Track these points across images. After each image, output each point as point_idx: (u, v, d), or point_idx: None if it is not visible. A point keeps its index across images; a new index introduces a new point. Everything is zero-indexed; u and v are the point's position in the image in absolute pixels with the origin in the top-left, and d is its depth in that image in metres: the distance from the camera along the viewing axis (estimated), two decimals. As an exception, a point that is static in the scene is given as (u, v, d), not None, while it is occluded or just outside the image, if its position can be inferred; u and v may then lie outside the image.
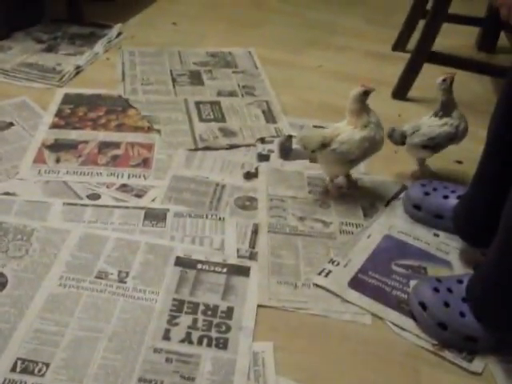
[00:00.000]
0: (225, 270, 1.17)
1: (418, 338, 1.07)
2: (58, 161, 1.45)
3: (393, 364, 1.03)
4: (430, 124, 1.41)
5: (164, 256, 1.19)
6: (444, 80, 1.39)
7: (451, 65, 1.85)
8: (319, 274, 1.18)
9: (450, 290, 1.08)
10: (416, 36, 1.94)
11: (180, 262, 1.18)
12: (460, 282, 1.10)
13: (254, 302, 1.10)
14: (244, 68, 1.97)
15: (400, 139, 1.41)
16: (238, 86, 1.86)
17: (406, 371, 1.02)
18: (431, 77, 1.84)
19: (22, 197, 1.31)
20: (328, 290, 1.14)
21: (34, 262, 1.14)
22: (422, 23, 1.89)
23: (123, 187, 1.37)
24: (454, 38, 2.17)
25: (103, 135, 1.56)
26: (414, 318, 1.09)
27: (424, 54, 1.80)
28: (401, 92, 1.85)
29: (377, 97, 1.83)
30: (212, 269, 1.17)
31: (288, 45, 2.17)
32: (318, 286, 1.15)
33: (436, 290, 1.08)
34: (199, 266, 1.17)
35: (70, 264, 1.15)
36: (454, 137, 1.40)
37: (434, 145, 1.40)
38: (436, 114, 1.41)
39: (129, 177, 1.41)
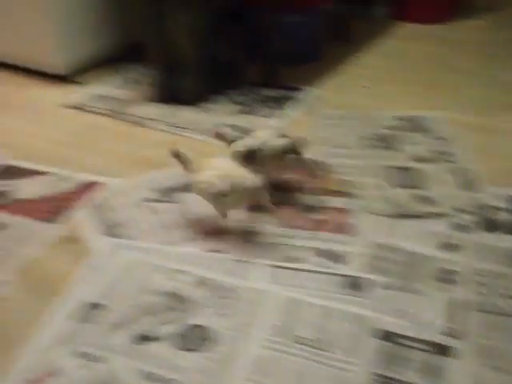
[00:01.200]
0: (427, 347, 1.12)
1: None
2: (258, 223, 1.51)
3: None
4: None
5: (365, 327, 1.17)
6: None
7: None
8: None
9: None
10: None
11: (381, 335, 1.15)
12: None
13: (462, 387, 1.04)
14: (437, 133, 1.93)
15: None
16: (431, 151, 1.82)
17: None
18: None
19: (229, 255, 1.39)
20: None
21: (239, 321, 1.19)
22: None
23: (324, 252, 1.39)
24: None
25: (302, 198, 1.60)
26: None
27: None
28: None
29: None
30: (414, 345, 1.13)
31: (482, 108, 2.09)
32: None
33: None
34: (401, 340, 1.14)
35: (274, 327, 1.17)
36: None
37: None
38: None
39: (329, 242, 1.42)
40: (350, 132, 1.95)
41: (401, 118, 2.03)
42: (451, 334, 1.15)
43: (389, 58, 2.59)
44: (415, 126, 1.98)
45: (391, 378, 1.06)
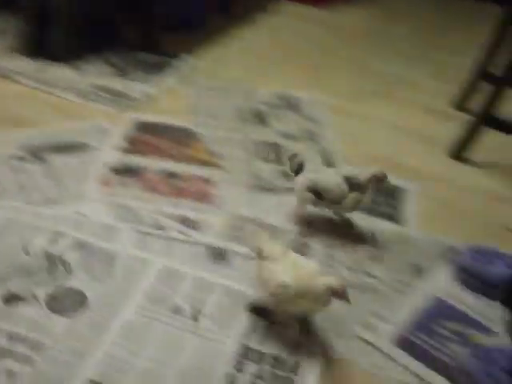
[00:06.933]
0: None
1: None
2: (123, 185, 1.50)
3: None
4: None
5: (236, 299, 1.21)
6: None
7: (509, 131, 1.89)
8: (366, 328, 1.20)
9: (492, 359, 1.12)
10: (476, 96, 2.00)
11: (250, 307, 1.20)
12: (503, 351, 1.14)
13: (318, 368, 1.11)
14: (308, 113, 2.02)
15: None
16: (301, 130, 1.90)
17: None
18: (491, 140, 1.87)
19: (91, 218, 1.37)
20: (374, 346, 1.17)
21: (114, 287, 1.19)
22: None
23: (184, 219, 1.41)
24: None
25: (167, 165, 1.60)
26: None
27: (488, 119, 1.83)
28: (457, 152, 1.88)
29: (431, 153, 1.86)
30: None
31: (354, 95, 2.20)
32: (363, 340, 1.18)
33: (479, 358, 1.13)
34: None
35: (148, 295, 1.19)
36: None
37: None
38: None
39: (190, 210, 1.45)
40: (224, 104, 1.97)
41: (276, 96, 2.08)
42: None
43: (269, 36, 2.64)
44: (289, 104, 2.05)
45: (257, 351, 1.11)
